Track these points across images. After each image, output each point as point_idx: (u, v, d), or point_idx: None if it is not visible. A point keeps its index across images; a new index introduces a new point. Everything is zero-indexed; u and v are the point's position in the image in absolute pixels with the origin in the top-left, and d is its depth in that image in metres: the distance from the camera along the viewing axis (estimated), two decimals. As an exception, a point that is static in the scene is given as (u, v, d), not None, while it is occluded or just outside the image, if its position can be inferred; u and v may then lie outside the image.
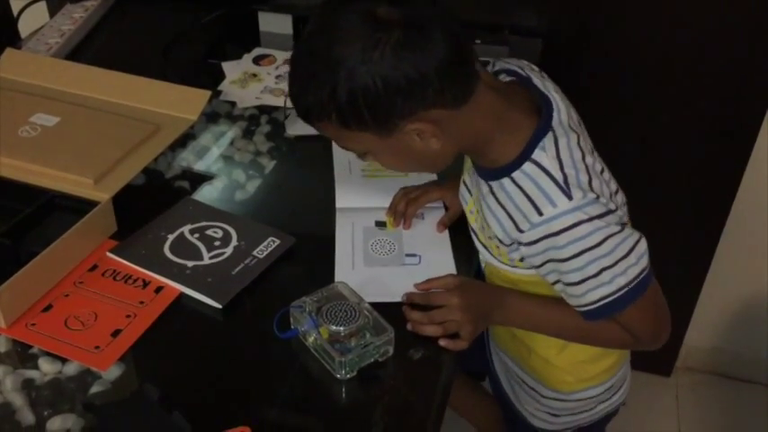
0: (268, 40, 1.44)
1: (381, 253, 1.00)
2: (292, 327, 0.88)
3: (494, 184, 0.87)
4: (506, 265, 0.93)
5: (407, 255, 0.99)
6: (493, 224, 0.88)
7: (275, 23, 1.44)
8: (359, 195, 1.07)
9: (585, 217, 0.82)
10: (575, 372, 1.05)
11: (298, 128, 1.21)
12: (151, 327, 0.90)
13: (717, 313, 1.84)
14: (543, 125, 0.84)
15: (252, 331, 0.91)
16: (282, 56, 1.39)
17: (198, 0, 1.47)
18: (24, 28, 1.46)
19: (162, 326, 0.90)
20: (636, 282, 0.85)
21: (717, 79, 1.46)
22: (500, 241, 0.89)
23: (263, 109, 1.27)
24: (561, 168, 0.82)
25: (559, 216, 0.82)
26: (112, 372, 0.85)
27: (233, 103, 1.28)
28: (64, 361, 0.86)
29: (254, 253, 0.98)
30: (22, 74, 1.24)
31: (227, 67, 1.37)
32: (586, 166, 0.84)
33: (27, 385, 0.84)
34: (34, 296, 0.92)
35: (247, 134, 1.22)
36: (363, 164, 1.12)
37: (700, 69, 1.46)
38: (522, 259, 0.90)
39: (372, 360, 0.85)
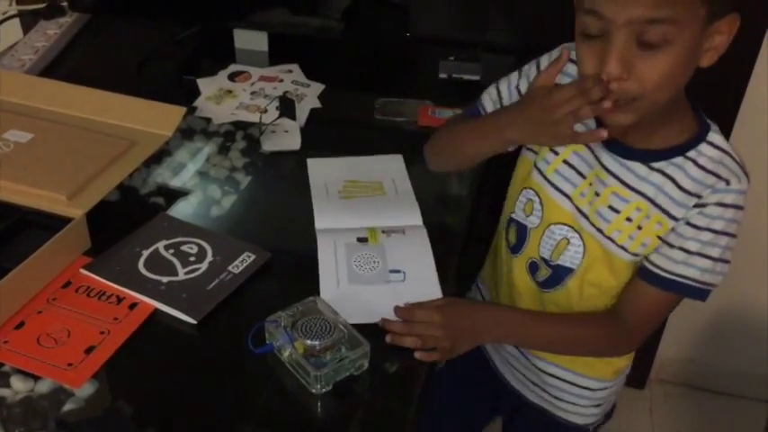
0: (243, 57, 1.44)
1: (365, 269, 0.99)
2: (267, 342, 0.88)
3: (657, 164, 0.89)
4: (630, 253, 0.93)
5: (391, 271, 0.99)
6: (660, 200, 0.89)
7: (250, 40, 1.45)
8: (337, 217, 1.07)
9: (742, 203, 0.89)
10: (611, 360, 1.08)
11: (273, 143, 1.22)
12: (125, 343, 0.89)
13: (689, 325, 1.86)
14: (703, 116, 0.90)
15: (227, 347, 0.91)
16: (258, 72, 1.39)
17: (173, 16, 1.48)
18: (-3, 44, 1.45)
19: (136, 342, 0.90)
20: (705, 288, 0.92)
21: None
22: (668, 216, 0.89)
23: (239, 125, 1.27)
24: (735, 152, 0.89)
25: (736, 192, 0.88)
26: (86, 389, 0.85)
27: (208, 120, 1.28)
28: (36, 378, 0.86)
29: (230, 268, 0.98)
30: (-5, 90, 1.24)
31: (202, 83, 1.37)
32: None
33: (-2, 404, 0.84)
34: (6, 313, 0.91)
35: (223, 150, 1.22)
36: (340, 186, 1.12)
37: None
38: (663, 239, 0.91)
39: (348, 374, 0.85)
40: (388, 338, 0.89)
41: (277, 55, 1.44)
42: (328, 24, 1.42)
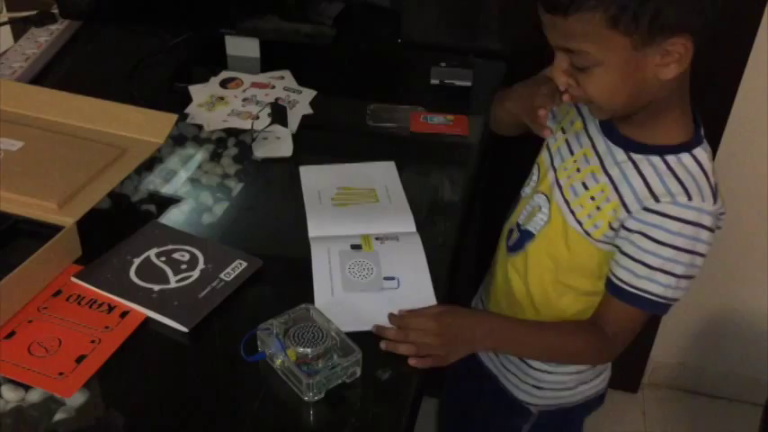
0: (235, 64, 1.44)
1: (360, 276, 0.99)
2: (259, 350, 0.88)
3: (637, 156, 0.93)
4: (584, 229, 0.97)
5: (386, 278, 0.99)
6: (622, 186, 0.93)
7: (242, 47, 1.45)
8: (331, 224, 1.07)
9: (709, 224, 0.90)
10: None
11: (265, 150, 1.22)
12: (117, 352, 0.89)
13: (682, 329, 1.87)
14: (701, 134, 0.93)
15: (219, 355, 0.91)
16: (249, 79, 1.39)
17: (164, 23, 1.48)
18: (-12, 52, 1.45)
19: (128, 351, 0.89)
20: (666, 302, 0.94)
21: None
22: (623, 204, 0.93)
23: (231, 132, 1.27)
24: (713, 175, 0.91)
25: (699, 210, 0.89)
26: (77, 398, 0.84)
27: (200, 127, 1.28)
28: (27, 388, 0.85)
29: (221, 276, 0.98)
30: (-14, 98, 1.23)
31: (193, 90, 1.37)
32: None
33: (-11, 414, 0.83)
34: (-3, 323, 0.91)
35: (214, 157, 1.22)
36: (332, 194, 1.12)
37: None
38: (613, 227, 0.94)
39: (340, 381, 0.85)
40: (382, 345, 0.89)
41: (269, 61, 1.44)
42: (320, 31, 1.42)
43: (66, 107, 1.20)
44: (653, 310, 0.96)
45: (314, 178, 1.17)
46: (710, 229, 0.91)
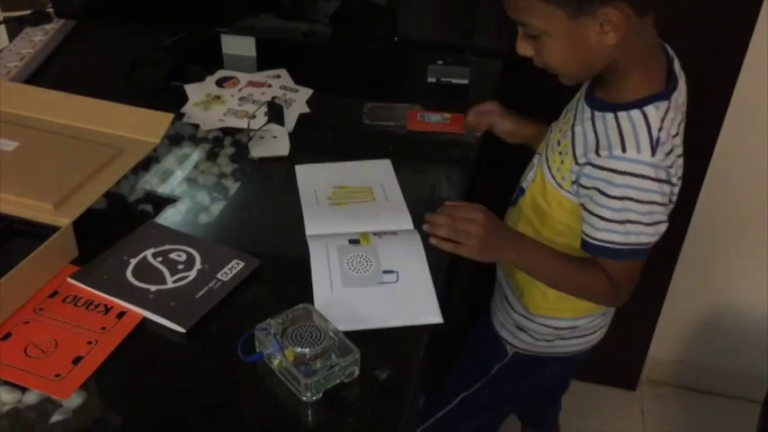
0: (231, 62, 1.44)
1: (358, 270, 0.99)
2: (257, 350, 0.88)
3: (598, 113, 0.99)
4: (556, 181, 1.04)
5: (385, 271, 0.99)
6: (578, 143, 1.00)
7: (238, 46, 1.44)
8: (328, 223, 1.07)
9: (653, 175, 0.94)
10: (550, 299, 1.15)
11: (262, 149, 1.21)
12: (113, 353, 0.88)
13: (679, 326, 1.87)
14: (666, 92, 0.97)
15: (216, 355, 0.91)
16: (246, 78, 1.39)
17: (160, 22, 1.47)
18: (-18, 52, 1.44)
19: (124, 352, 0.89)
20: (641, 247, 0.99)
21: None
22: (573, 158, 0.99)
23: (227, 131, 1.27)
24: (660, 130, 0.94)
25: (635, 161, 0.94)
26: (74, 400, 0.84)
27: (196, 126, 1.28)
28: (24, 390, 0.85)
29: (219, 276, 0.98)
30: (-20, 98, 1.23)
31: (189, 89, 1.37)
32: (673, 144, 0.96)
33: (-15, 416, 0.83)
34: (-7, 324, 0.90)
35: (211, 156, 1.22)
36: (329, 193, 1.12)
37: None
38: (574, 181, 1.00)
39: (338, 381, 0.85)
40: (425, 227, 0.99)
41: (265, 60, 1.43)
42: (316, 29, 1.42)
43: (61, 107, 1.20)
44: (626, 258, 0.99)
45: (310, 177, 1.16)
46: (657, 180, 0.94)
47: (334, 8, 1.47)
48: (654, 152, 0.93)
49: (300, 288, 0.97)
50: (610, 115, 0.97)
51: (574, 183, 1.01)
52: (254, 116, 1.28)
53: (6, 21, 1.51)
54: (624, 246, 0.98)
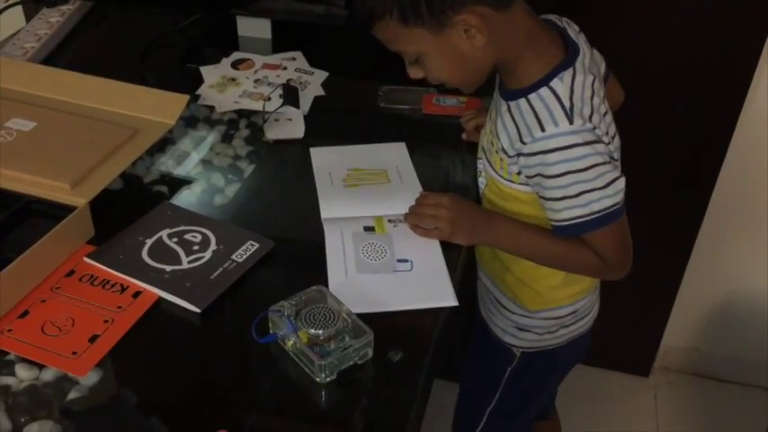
0: (246, 45, 1.44)
1: (373, 258, 0.99)
2: (271, 331, 0.88)
3: (512, 103, 0.98)
4: (505, 179, 1.03)
5: (399, 260, 0.99)
6: (503, 137, 0.99)
7: (253, 28, 1.44)
8: (343, 206, 1.07)
9: (581, 141, 0.93)
10: (544, 293, 1.14)
11: (276, 132, 1.22)
12: (129, 332, 0.89)
13: (693, 314, 1.86)
14: (567, 61, 0.96)
15: (231, 336, 0.91)
16: (261, 60, 1.39)
17: (176, 4, 1.47)
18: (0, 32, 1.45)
19: (140, 331, 0.90)
20: (607, 211, 0.96)
21: (691, 80, 1.48)
22: (505, 153, 0.99)
23: (242, 113, 1.27)
24: (570, 98, 0.94)
25: (557, 135, 0.93)
26: (90, 377, 0.85)
27: (211, 108, 1.28)
28: (41, 367, 0.86)
29: (233, 257, 0.98)
30: (-2, 78, 1.23)
31: (205, 71, 1.37)
32: (592, 105, 0.95)
33: (3, 392, 0.84)
34: (10, 302, 0.91)
35: (226, 138, 1.22)
36: (344, 175, 1.12)
37: (673, 71, 1.48)
38: (519, 173, 1.00)
39: (351, 363, 0.85)
40: (405, 218, 1.03)
41: (280, 42, 1.43)
42: (332, 11, 1.41)
43: (77, 88, 1.20)
44: (597, 227, 0.97)
45: (325, 160, 1.16)
46: (586, 143, 0.93)
47: (349, -10, 1.46)
48: (571, 120, 0.92)
49: (315, 271, 0.97)
50: (522, 101, 0.96)
51: (519, 174, 1.00)
52: (269, 98, 1.28)
53: (24, 2, 1.51)
54: (590, 216, 0.96)
